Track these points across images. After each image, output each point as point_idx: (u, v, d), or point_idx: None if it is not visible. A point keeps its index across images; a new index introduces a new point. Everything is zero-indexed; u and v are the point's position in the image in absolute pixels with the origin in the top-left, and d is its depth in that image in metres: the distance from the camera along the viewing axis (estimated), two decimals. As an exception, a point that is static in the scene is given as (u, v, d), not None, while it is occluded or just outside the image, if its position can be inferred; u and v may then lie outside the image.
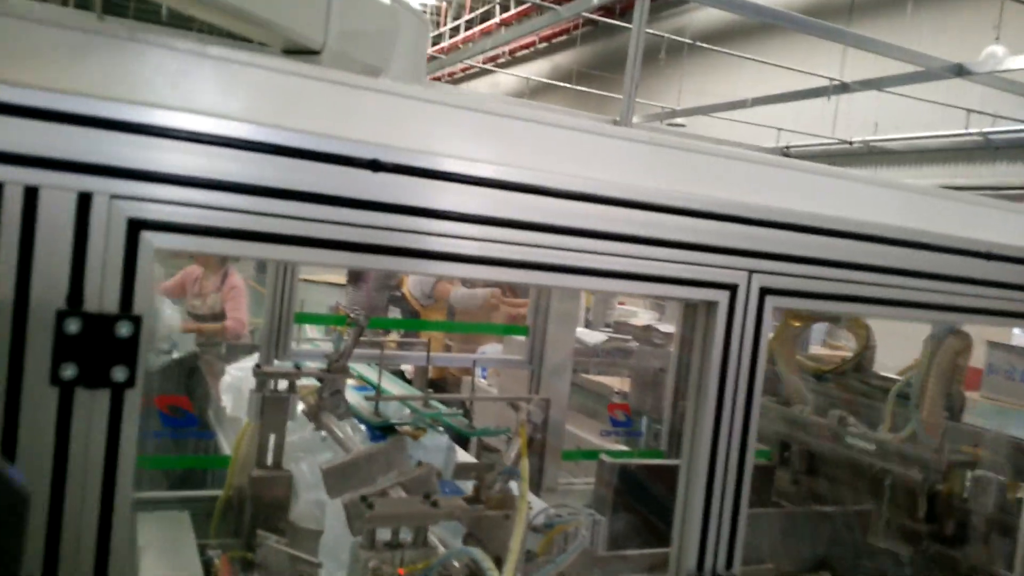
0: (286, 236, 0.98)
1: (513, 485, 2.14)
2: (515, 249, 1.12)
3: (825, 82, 11.39)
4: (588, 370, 5.78)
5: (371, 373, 4.13)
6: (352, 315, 2.82)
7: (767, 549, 2.47)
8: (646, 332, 5.91)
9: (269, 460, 2.64)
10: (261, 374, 2.65)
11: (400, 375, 4.88)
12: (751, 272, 1.28)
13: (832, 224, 1.34)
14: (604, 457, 2.86)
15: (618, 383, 5.33)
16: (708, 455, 1.28)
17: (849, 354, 3.15)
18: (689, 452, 1.28)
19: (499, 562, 1.51)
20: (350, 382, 3.79)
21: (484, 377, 5.20)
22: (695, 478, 1.28)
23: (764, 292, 1.29)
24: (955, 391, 2.68)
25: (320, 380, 2.80)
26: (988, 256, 1.50)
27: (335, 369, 2.80)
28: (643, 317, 7.65)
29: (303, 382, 2.89)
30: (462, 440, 4.26)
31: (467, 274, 1.12)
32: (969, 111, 11.10)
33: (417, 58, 1.30)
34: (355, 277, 6.79)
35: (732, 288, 1.27)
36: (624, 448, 4.09)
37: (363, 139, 1.00)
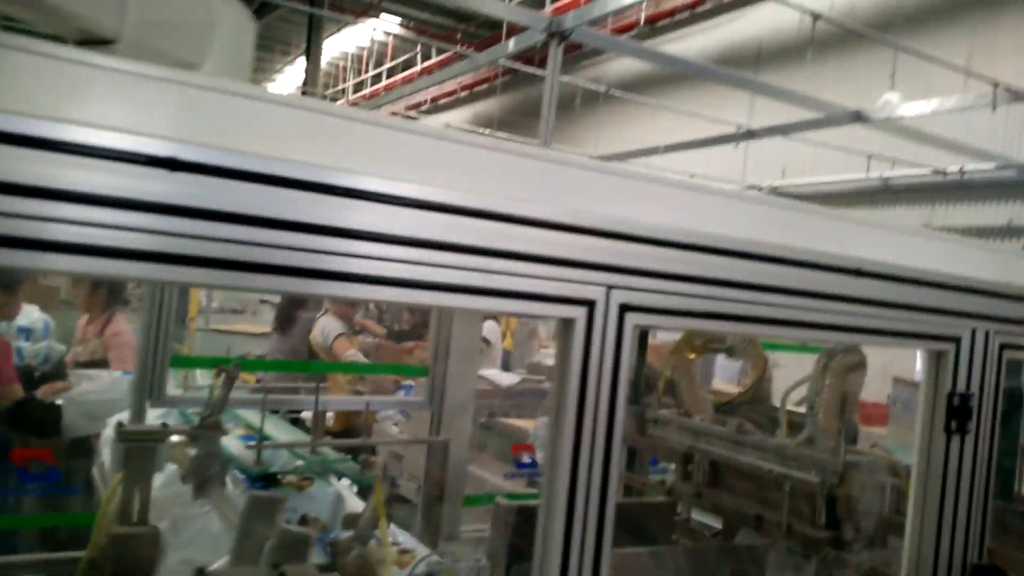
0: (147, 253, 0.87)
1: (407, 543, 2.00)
2: (348, 261, 1.02)
3: (734, 129, 11.75)
4: (504, 413, 5.70)
5: (267, 420, 3.94)
6: (220, 367, 2.66)
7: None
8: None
9: (134, 516, 2.44)
10: (125, 435, 2.46)
11: (298, 423, 4.68)
12: (609, 288, 1.20)
13: (696, 239, 1.28)
14: (500, 500, 2.74)
15: (533, 425, 5.26)
16: (567, 486, 1.18)
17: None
18: (547, 484, 1.19)
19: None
20: (237, 431, 3.60)
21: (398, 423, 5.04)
22: (553, 514, 1.18)
23: (624, 309, 1.22)
24: (848, 418, 2.68)
25: (193, 438, 2.63)
26: (858, 273, 1.47)
27: (207, 425, 2.63)
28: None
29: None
30: (363, 489, 4.09)
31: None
32: (869, 156, 11.56)
33: (239, 54, 1.20)
34: (281, 325, 6.56)
35: (590, 304, 1.19)
36: (532, 491, 3.98)
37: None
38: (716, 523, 3.04)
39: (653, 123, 15.13)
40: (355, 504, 3.24)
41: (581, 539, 1.20)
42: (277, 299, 8.03)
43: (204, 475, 2.58)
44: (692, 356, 3.06)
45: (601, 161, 1.23)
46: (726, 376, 6.28)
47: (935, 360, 1.65)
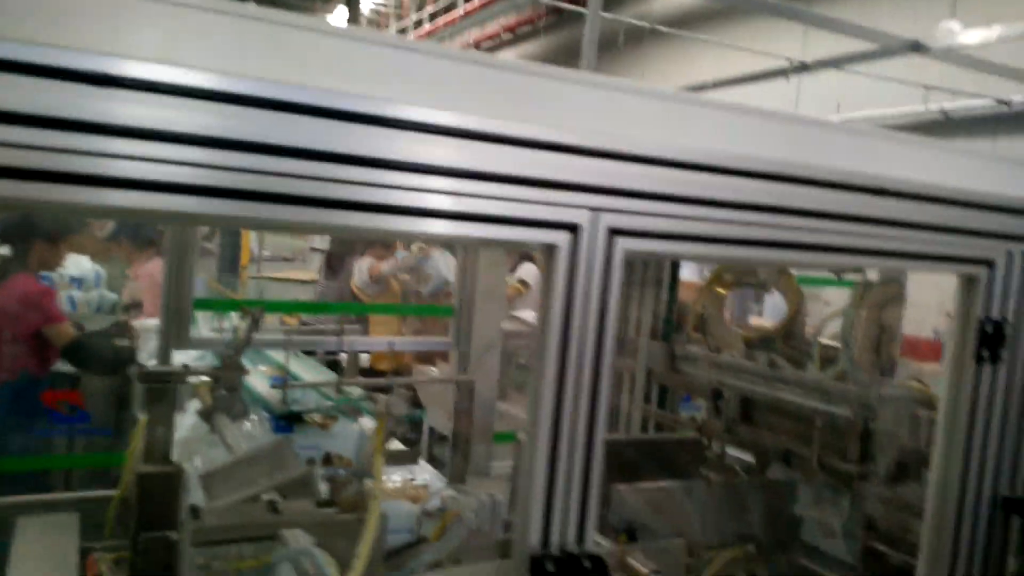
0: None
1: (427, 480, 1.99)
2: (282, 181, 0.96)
3: (785, 63, 11.34)
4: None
5: (303, 362, 3.97)
6: (246, 309, 2.66)
7: (683, 524, 2.35)
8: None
9: (157, 455, 2.47)
10: (146, 375, 2.48)
11: (336, 366, 4.71)
12: (596, 211, 1.13)
13: (694, 156, 1.19)
14: (522, 435, 2.71)
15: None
16: (551, 420, 1.13)
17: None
18: (532, 417, 1.13)
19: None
20: (265, 370, 3.63)
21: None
22: (537, 445, 1.13)
23: (613, 233, 1.14)
24: (884, 352, 2.58)
25: (214, 379, 2.64)
26: (880, 191, 1.37)
27: (228, 366, 2.64)
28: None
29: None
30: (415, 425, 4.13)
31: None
32: (927, 87, 11.07)
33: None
34: (329, 270, 6.61)
35: (574, 228, 1.12)
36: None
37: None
38: (750, 459, 2.98)
39: (700, 60, 14.68)
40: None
41: (567, 477, 1.15)
42: (326, 247, 8.09)
43: (225, 412, 2.60)
44: (722, 291, 2.96)
45: (583, 73, 1.14)
46: (776, 313, 6.13)
47: (967, 285, 1.54)
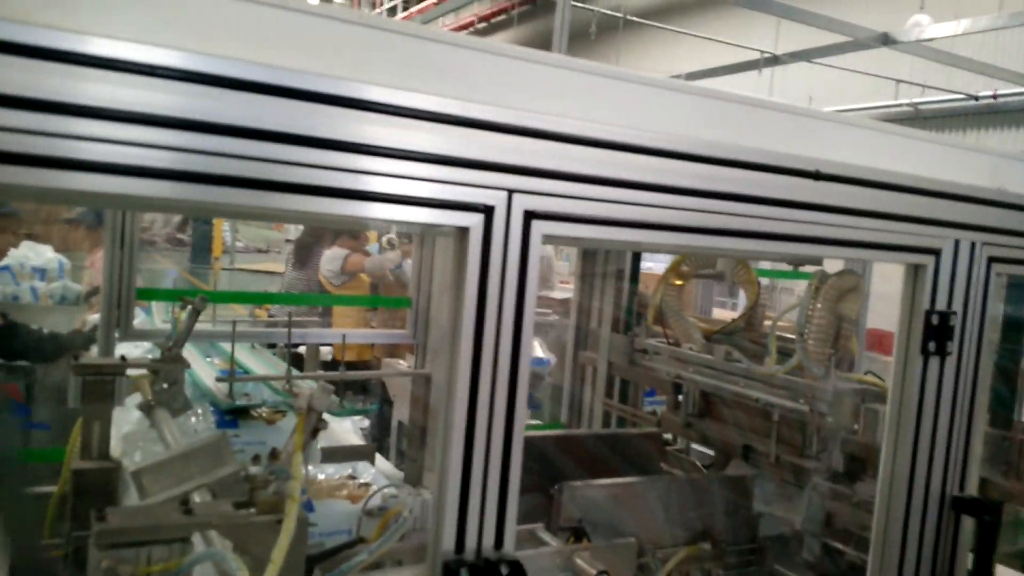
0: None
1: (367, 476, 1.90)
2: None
3: (758, 55, 11.36)
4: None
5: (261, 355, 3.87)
6: (186, 300, 2.56)
7: (638, 521, 2.29)
8: (565, 305, 5.77)
9: (94, 451, 2.37)
10: (82, 368, 2.37)
11: (299, 359, 4.61)
12: (511, 192, 1.05)
13: (617, 135, 1.12)
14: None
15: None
16: (465, 416, 1.05)
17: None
18: (444, 414, 1.06)
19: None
20: (217, 363, 3.53)
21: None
22: (451, 442, 1.06)
23: (529, 216, 1.07)
24: (842, 345, 2.53)
25: (154, 372, 2.55)
26: (816, 175, 1.30)
27: (168, 359, 2.54)
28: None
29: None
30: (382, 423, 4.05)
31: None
32: (898, 82, 11.12)
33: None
34: (297, 260, 6.51)
35: (487, 211, 1.04)
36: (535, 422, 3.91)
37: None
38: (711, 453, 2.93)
39: (674, 51, 14.68)
40: (347, 439, 3.17)
41: (483, 476, 1.08)
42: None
43: (165, 407, 2.51)
44: (678, 283, 2.90)
45: (494, 42, 1.06)
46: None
47: (912, 275, 1.49)
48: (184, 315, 2.57)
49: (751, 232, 1.25)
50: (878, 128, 1.43)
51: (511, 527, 1.10)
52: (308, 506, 1.97)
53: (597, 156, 1.11)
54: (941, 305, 1.48)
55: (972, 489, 1.56)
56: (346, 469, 2.30)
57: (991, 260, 1.53)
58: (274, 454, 2.73)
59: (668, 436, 3.01)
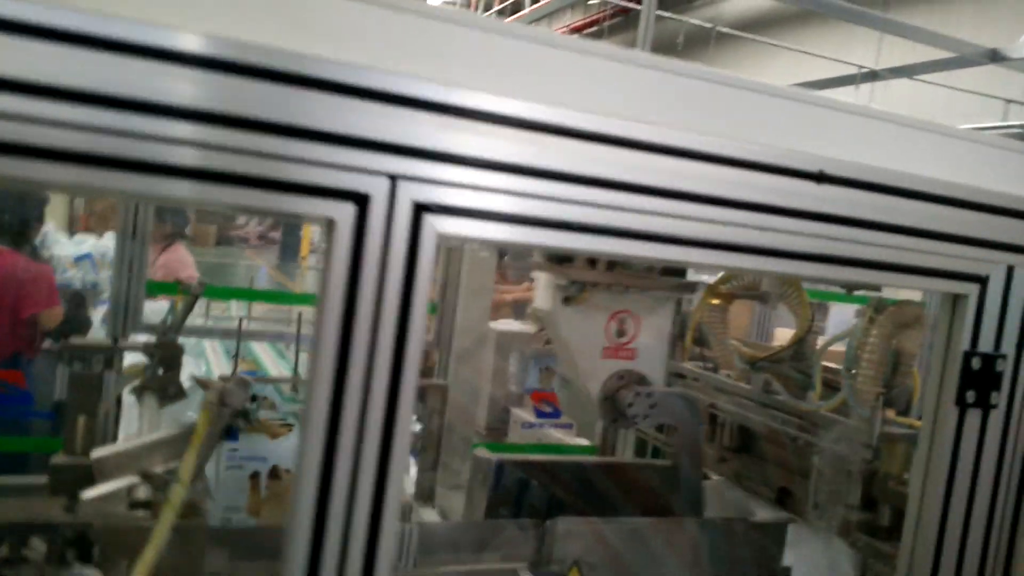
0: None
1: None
2: None
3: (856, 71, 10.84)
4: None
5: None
6: (185, 286, 2.45)
7: (642, 566, 2.04)
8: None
9: (77, 446, 2.27)
10: (69, 348, 2.27)
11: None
12: (395, 178, 0.84)
13: (542, 114, 0.89)
14: (480, 451, 2.43)
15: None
16: (323, 441, 0.85)
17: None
18: (301, 440, 0.85)
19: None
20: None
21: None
22: (304, 471, 0.85)
23: (420, 209, 0.85)
24: (900, 383, 2.21)
25: (149, 355, 2.44)
26: (819, 178, 1.05)
27: (163, 344, 2.43)
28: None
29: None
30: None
31: None
32: (1008, 101, 10.40)
33: None
34: None
35: (360, 200, 0.83)
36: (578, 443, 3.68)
37: None
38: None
39: (768, 64, 14.19)
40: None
41: (346, 510, 0.87)
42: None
43: (158, 394, 2.40)
44: (716, 302, 2.63)
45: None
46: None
47: (950, 307, 1.20)
48: (182, 302, 2.45)
49: (724, 244, 1.00)
50: (904, 122, 1.15)
51: (388, 550, 0.88)
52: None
53: (516, 138, 0.88)
54: (986, 346, 1.19)
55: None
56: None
57: (1055, 293, 1.23)
58: (275, 473, 2.60)
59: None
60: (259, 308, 5.12)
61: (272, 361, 3.52)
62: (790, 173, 1.03)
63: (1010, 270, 1.19)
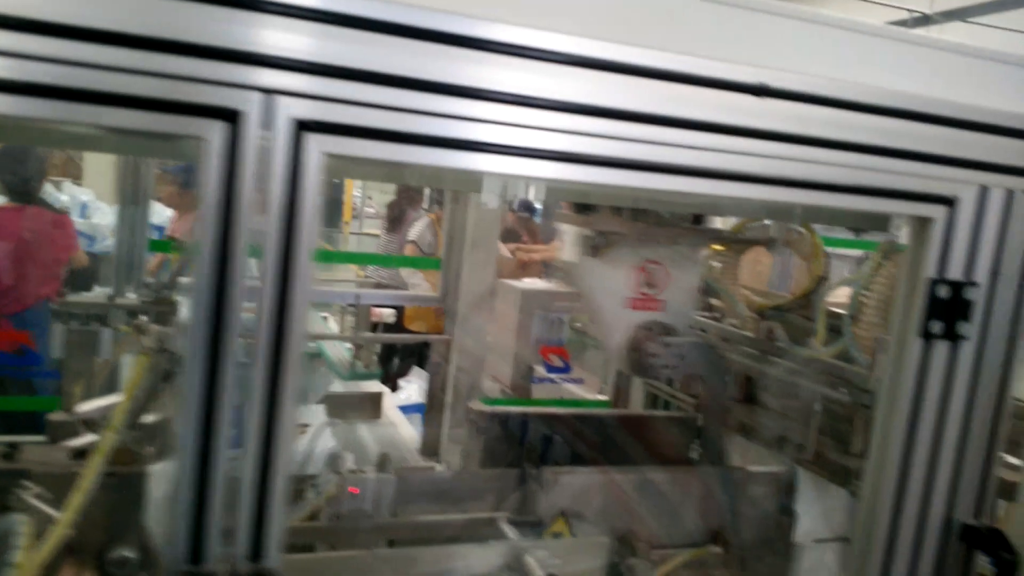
0: None
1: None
2: None
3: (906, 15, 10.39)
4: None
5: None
6: (180, 243, 2.46)
7: (633, 517, 1.99)
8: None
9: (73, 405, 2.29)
10: (64, 307, 2.29)
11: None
12: (272, 93, 0.79)
13: (428, 22, 0.83)
14: (474, 403, 2.40)
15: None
16: (203, 398, 0.81)
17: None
18: (180, 396, 0.82)
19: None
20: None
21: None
22: (185, 429, 0.82)
23: (302, 128, 0.80)
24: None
25: (143, 313, 2.45)
26: (760, 92, 0.97)
27: (158, 300, 2.44)
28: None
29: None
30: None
31: None
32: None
33: None
34: (392, 223, 6.49)
35: (232, 116, 0.78)
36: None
37: None
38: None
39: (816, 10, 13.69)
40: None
41: (230, 470, 0.83)
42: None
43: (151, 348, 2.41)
44: (720, 249, 2.53)
45: None
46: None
47: (917, 232, 1.12)
48: (177, 259, 2.46)
49: (655, 165, 0.93)
50: (861, 30, 1.06)
51: (274, 531, 0.85)
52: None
53: (411, 50, 0.83)
54: (955, 273, 1.11)
55: (991, 517, 1.18)
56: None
57: (1036, 216, 1.14)
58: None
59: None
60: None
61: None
62: (727, 87, 0.96)
63: (983, 191, 1.10)
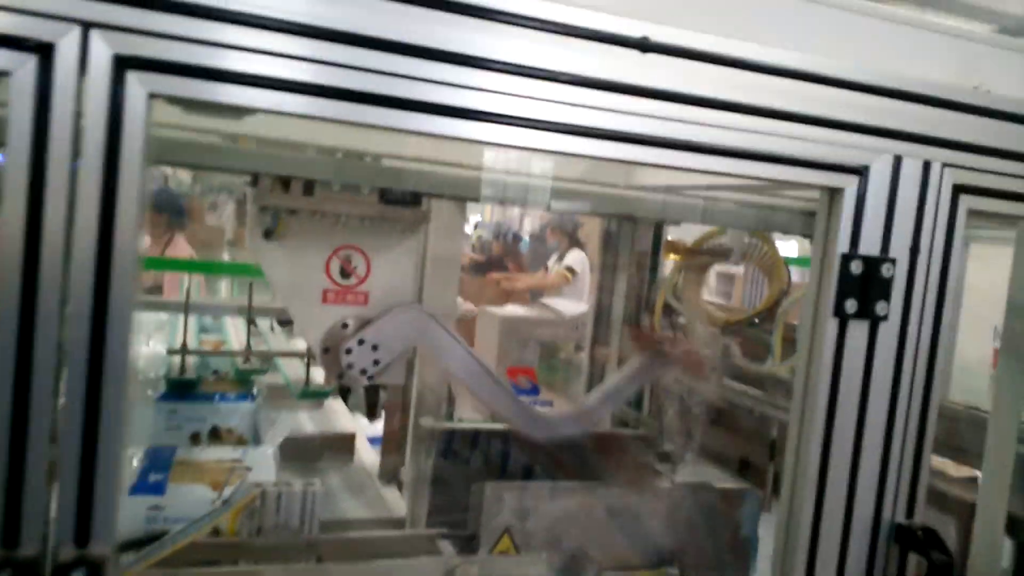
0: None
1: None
2: None
3: None
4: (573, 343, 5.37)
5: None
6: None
7: (584, 534, 1.89)
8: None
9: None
10: None
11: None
12: (88, 25, 0.73)
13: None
14: (424, 421, 2.31)
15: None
16: (13, 356, 0.74)
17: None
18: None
19: None
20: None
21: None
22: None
23: (123, 64, 0.74)
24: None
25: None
26: (643, 46, 0.91)
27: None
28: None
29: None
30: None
31: None
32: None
33: None
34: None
35: (43, 50, 0.72)
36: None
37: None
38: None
39: None
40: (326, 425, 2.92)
41: (38, 451, 0.76)
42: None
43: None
44: (674, 257, 2.47)
45: None
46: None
47: (827, 204, 1.05)
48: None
49: (528, 120, 0.87)
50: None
51: (105, 517, 0.77)
52: (158, 489, 1.71)
53: (241, -16, 0.77)
54: (869, 248, 1.03)
55: (921, 514, 1.10)
56: (235, 453, 2.02)
57: (958, 189, 1.07)
58: (215, 433, 2.51)
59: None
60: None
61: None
62: (608, 40, 0.90)
63: (897, 161, 1.03)
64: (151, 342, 3.01)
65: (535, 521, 1.91)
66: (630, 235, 2.94)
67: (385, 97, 0.81)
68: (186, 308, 2.58)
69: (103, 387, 0.76)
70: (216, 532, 1.66)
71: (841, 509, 1.06)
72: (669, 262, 2.83)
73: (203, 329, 3.44)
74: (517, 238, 7.39)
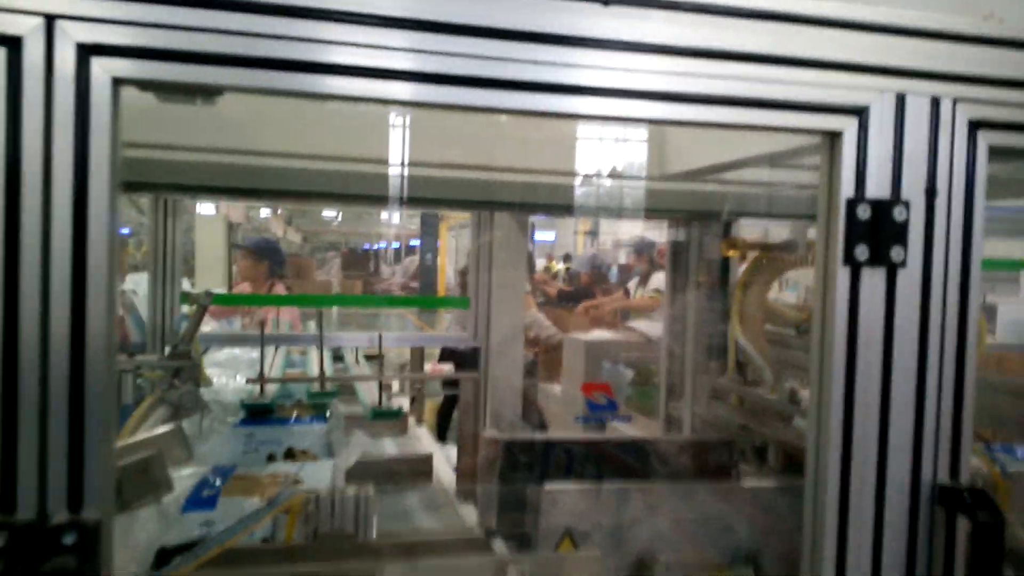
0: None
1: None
2: None
3: None
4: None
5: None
6: (193, 297, 2.50)
7: (651, 534, 1.83)
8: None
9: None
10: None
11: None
12: (52, 18, 0.78)
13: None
14: (488, 433, 2.30)
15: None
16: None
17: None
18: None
19: None
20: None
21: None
22: None
23: (87, 52, 0.78)
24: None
25: (163, 369, 2.48)
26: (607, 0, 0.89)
27: (178, 355, 2.47)
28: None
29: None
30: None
31: None
32: None
33: None
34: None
35: (13, 43, 0.77)
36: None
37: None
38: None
39: None
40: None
41: (34, 420, 0.79)
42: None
43: (176, 406, 2.43)
44: (734, 253, 2.38)
45: None
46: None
47: (828, 149, 1.00)
48: (192, 313, 2.50)
49: (478, 79, 0.87)
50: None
51: (97, 481, 0.80)
52: (211, 503, 1.75)
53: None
54: (877, 191, 0.98)
55: (965, 474, 1.01)
56: (293, 468, 2.06)
57: (976, 125, 1.00)
58: (290, 453, 2.58)
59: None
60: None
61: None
62: (575, -4, 0.89)
63: (901, 99, 0.98)
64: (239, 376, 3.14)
65: (597, 523, 1.86)
66: (697, 243, 2.86)
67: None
68: (262, 340, 2.67)
69: (86, 358, 0.79)
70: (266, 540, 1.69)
71: (872, 472, 0.99)
72: (740, 268, 2.72)
73: (289, 364, 3.56)
74: (599, 264, 7.45)
